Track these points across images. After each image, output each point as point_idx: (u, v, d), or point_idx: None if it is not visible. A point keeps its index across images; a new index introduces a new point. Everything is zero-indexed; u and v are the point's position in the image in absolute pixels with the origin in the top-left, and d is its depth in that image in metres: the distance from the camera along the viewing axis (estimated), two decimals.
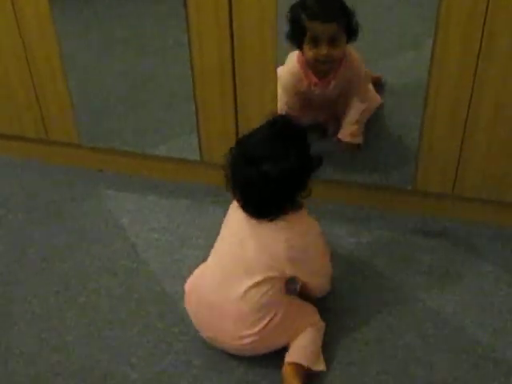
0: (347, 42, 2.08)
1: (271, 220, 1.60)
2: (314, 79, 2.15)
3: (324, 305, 1.80)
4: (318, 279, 1.76)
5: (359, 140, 2.24)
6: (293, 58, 2.15)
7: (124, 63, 2.54)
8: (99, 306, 1.90)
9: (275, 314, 1.64)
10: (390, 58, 2.24)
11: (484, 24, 1.67)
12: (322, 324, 1.75)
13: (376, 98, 2.34)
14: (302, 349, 1.68)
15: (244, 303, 1.63)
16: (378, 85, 2.39)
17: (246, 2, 1.79)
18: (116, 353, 1.77)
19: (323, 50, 2.02)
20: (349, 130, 2.24)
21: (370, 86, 2.36)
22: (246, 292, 1.62)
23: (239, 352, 1.71)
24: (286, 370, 1.66)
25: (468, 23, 1.68)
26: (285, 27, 2.09)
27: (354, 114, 2.24)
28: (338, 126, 2.27)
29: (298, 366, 1.66)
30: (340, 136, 2.25)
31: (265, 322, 1.64)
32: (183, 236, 2.07)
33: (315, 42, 2.02)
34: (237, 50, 1.89)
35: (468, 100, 1.81)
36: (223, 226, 1.73)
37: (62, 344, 1.80)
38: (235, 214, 1.67)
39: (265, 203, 1.59)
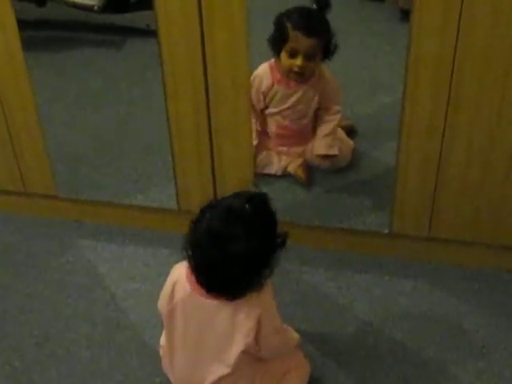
0: (322, 60, 2.18)
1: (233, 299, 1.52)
2: (278, 76, 2.22)
3: (305, 350, 1.80)
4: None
5: (335, 151, 2.29)
6: (265, 64, 2.24)
7: (100, 114, 2.56)
8: (79, 356, 1.88)
9: (259, 371, 1.64)
10: (362, 104, 2.29)
11: (452, 70, 1.72)
12: (308, 368, 1.75)
13: (348, 142, 2.38)
14: None
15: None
16: (351, 132, 2.44)
17: (220, 51, 1.82)
18: None
19: (299, 62, 2.13)
20: (323, 143, 2.30)
21: (342, 133, 2.40)
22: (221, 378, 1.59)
23: None
24: None
25: (436, 69, 1.72)
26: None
27: (326, 127, 2.30)
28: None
29: None
30: (316, 152, 2.31)
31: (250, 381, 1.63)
32: (163, 285, 2.06)
33: (293, 53, 2.13)
34: (212, 99, 1.92)
35: (440, 144, 1.84)
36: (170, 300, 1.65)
37: None
38: (189, 297, 1.59)
39: (230, 284, 1.51)
